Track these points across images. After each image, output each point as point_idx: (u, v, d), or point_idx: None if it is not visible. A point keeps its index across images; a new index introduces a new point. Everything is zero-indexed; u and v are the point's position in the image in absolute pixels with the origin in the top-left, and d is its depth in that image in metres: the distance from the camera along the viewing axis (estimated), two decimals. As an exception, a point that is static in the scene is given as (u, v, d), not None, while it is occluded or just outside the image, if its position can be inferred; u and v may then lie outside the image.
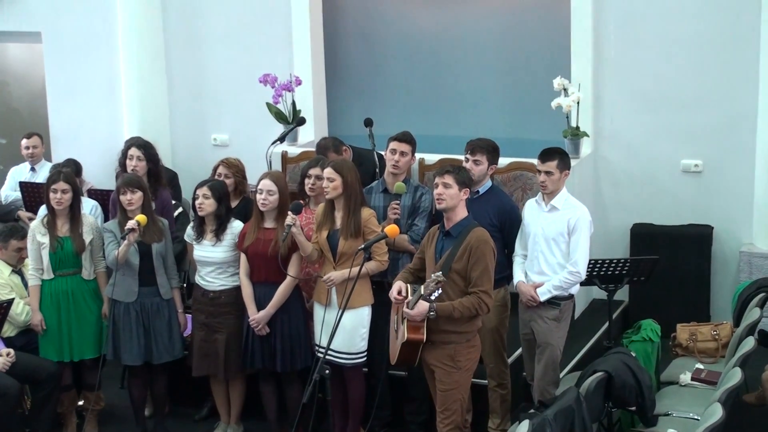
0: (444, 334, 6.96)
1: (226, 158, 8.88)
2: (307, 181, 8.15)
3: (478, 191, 7.73)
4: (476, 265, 6.90)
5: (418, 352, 7.03)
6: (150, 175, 8.64)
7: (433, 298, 6.77)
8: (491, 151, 7.87)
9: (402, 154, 8.02)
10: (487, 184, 7.89)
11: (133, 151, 8.68)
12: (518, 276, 7.73)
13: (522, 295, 7.68)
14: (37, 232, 8.20)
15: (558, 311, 7.63)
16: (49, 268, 8.17)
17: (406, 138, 8.08)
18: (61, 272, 8.19)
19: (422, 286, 6.83)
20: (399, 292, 7.05)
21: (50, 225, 8.17)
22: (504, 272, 7.65)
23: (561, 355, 7.78)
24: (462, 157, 7.92)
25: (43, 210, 8.50)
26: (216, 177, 8.64)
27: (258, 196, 7.82)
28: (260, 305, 7.86)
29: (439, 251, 7.05)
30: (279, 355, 7.89)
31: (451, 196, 7.01)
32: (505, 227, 7.79)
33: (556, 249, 7.60)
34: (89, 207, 9.16)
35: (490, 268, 6.96)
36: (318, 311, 7.82)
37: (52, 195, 8.12)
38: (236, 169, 8.75)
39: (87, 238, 8.22)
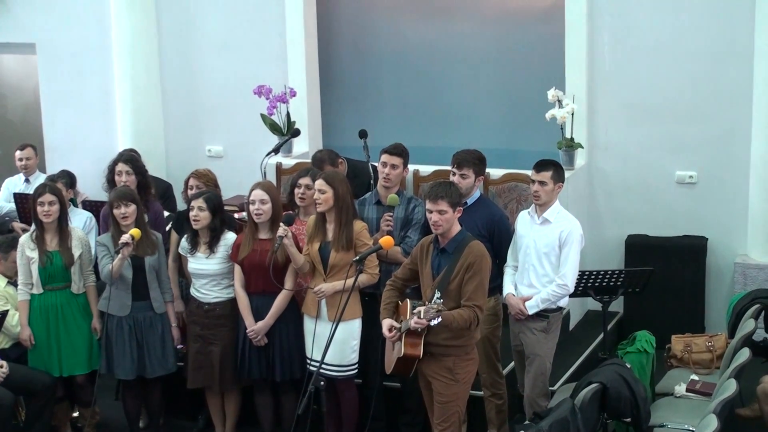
0: (443, 347, 6.94)
1: (195, 170, 8.84)
2: (296, 191, 8.15)
3: (466, 202, 7.68)
4: (472, 279, 6.86)
5: (413, 366, 7.02)
6: (140, 187, 8.60)
7: (433, 323, 6.72)
8: (478, 163, 7.86)
9: (393, 167, 8.01)
10: (476, 194, 7.88)
11: (121, 167, 8.64)
12: (508, 288, 7.72)
13: (511, 308, 7.67)
14: (26, 247, 8.18)
15: (546, 323, 7.63)
16: (38, 282, 8.16)
17: (396, 151, 8.07)
18: (51, 287, 8.18)
19: (422, 310, 6.75)
20: (390, 329, 7.01)
21: (39, 240, 8.15)
22: (494, 282, 7.61)
23: (551, 367, 7.77)
24: (454, 169, 7.93)
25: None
26: (188, 190, 8.63)
27: (251, 207, 7.81)
28: (258, 316, 7.85)
29: (435, 268, 7.02)
30: (278, 364, 7.89)
31: (447, 221, 6.94)
32: (494, 237, 7.78)
33: (547, 262, 7.59)
34: (83, 218, 9.16)
35: (485, 283, 6.94)
36: (308, 324, 7.81)
37: (39, 208, 8.11)
38: (207, 179, 8.69)
39: (76, 252, 8.21)
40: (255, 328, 7.82)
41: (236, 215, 8.74)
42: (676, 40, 9.77)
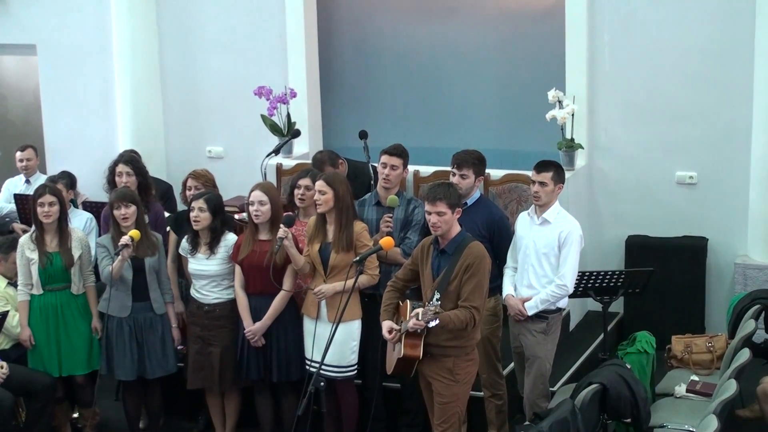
0: (443, 347, 6.93)
1: (193, 170, 8.83)
2: (296, 191, 8.15)
3: (466, 203, 7.68)
4: (470, 280, 6.85)
5: (413, 367, 7.02)
6: (140, 188, 8.60)
7: (431, 325, 6.73)
8: (477, 163, 7.85)
9: (392, 167, 8.00)
10: (475, 195, 7.88)
11: (122, 168, 8.63)
12: (507, 289, 7.72)
13: (510, 309, 7.67)
14: (26, 248, 8.19)
15: (546, 324, 7.62)
16: (38, 283, 8.16)
17: (396, 151, 8.06)
18: (51, 287, 8.18)
19: (420, 311, 6.77)
20: (390, 331, 7.02)
21: (39, 241, 8.16)
22: (495, 282, 7.60)
23: (550, 369, 7.77)
24: (454, 170, 7.93)
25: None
26: (186, 191, 8.63)
27: (250, 208, 7.82)
28: (256, 316, 7.85)
29: (435, 269, 7.01)
30: (275, 365, 7.89)
31: (446, 222, 6.93)
32: (494, 237, 7.77)
33: (546, 263, 7.59)
34: (84, 219, 9.16)
35: (483, 284, 6.93)
36: (308, 325, 7.81)
37: (39, 209, 8.11)
38: (205, 179, 8.68)
39: (76, 252, 8.21)
40: (252, 328, 7.82)
41: (236, 216, 8.74)
42: (676, 40, 9.77)
